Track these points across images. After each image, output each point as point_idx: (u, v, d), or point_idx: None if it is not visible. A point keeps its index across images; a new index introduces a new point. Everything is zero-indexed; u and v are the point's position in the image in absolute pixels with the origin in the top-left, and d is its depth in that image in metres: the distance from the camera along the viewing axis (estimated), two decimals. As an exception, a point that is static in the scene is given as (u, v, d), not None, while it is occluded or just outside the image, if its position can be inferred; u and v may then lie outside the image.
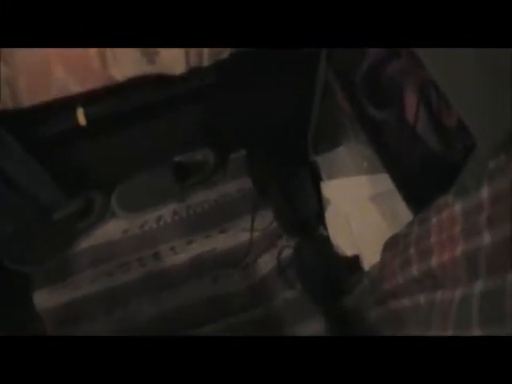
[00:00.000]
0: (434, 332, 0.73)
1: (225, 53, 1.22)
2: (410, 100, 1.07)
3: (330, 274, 1.41)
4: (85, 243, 1.50)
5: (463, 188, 0.77)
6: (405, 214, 1.27)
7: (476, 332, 0.61)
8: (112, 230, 1.52)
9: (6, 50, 1.08)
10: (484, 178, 0.71)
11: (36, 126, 1.24)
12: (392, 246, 0.97)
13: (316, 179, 1.53)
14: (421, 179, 1.12)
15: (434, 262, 0.76)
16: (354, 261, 1.41)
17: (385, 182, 1.32)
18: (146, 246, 1.50)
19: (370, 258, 1.40)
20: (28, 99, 1.15)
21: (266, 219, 1.51)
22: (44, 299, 1.43)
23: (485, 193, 0.69)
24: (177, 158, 1.54)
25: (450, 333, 0.67)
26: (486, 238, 0.65)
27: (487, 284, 0.63)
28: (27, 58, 1.10)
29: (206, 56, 1.20)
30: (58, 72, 1.13)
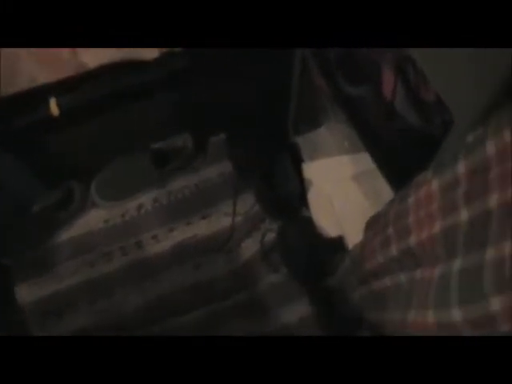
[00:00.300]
0: (415, 311, 0.71)
1: (198, 35, 1.20)
2: (387, 76, 1.05)
3: (314, 255, 1.40)
4: (65, 234, 1.48)
5: (441, 163, 0.75)
6: (387, 193, 1.25)
7: (455, 312, 0.60)
8: (93, 219, 1.50)
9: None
10: (461, 152, 0.69)
11: (8, 117, 1.22)
12: (373, 224, 0.96)
13: (297, 161, 1.52)
14: (401, 156, 1.11)
15: (413, 240, 0.74)
16: (338, 241, 1.40)
17: (366, 160, 1.31)
18: (127, 235, 1.48)
19: (354, 238, 1.38)
20: (-4, 90, 1.13)
21: (247, 203, 1.50)
22: (26, 291, 1.41)
23: (461, 167, 0.67)
24: (155, 145, 1.51)
25: (430, 313, 0.66)
26: (464, 215, 0.63)
27: (465, 261, 0.61)
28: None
29: (178, 39, 1.18)
30: (26, 62, 1.11)
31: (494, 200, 0.59)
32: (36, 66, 1.12)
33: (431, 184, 0.73)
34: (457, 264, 0.63)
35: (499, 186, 0.59)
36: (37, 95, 1.18)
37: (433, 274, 0.68)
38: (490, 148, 0.63)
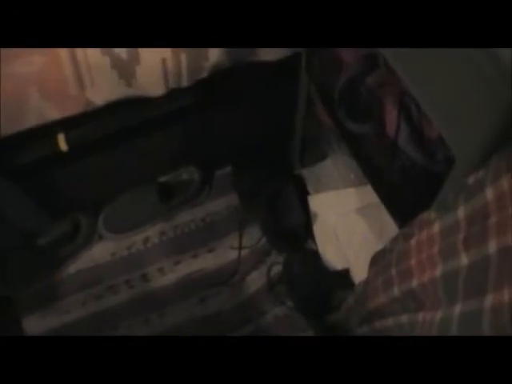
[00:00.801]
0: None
1: (204, 72, 1.21)
2: (390, 112, 1.06)
3: (320, 289, 1.40)
4: (72, 267, 1.48)
5: (443, 204, 0.76)
6: (392, 226, 1.26)
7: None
8: (99, 252, 1.51)
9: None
10: (462, 194, 0.70)
11: (16, 153, 1.23)
12: (377, 261, 0.96)
13: (303, 193, 1.52)
14: (404, 192, 1.12)
15: (415, 283, 0.75)
16: (344, 274, 1.41)
17: (372, 193, 1.32)
18: (133, 268, 1.48)
19: (359, 271, 1.39)
20: (6, 129, 1.14)
21: (254, 236, 1.50)
22: (34, 325, 1.41)
23: (461, 212, 0.68)
24: (162, 178, 1.53)
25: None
26: (463, 260, 0.64)
27: (465, 306, 0.62)
28: (2, 87, 1.09)
29: (184, 76, 1.20)
30: (35, 100, 1.12)
31: (493, 246, 0.60)
32: (44, 103, 1.13)
33: (433, 226, 0.73)
34: (457, 308, 0.63)
35: (498, 233, 0.60)
36: (45, 131, 1.20)
37: (434, 317, 0.68)
38: (490, 194, 0.63)
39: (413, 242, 0.78)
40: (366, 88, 1.12)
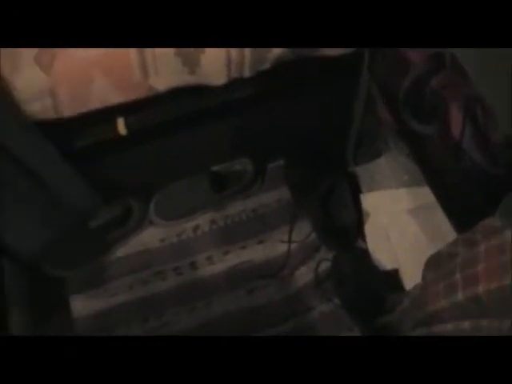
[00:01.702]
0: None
1: (266, 63, 1.21)
2: (455, 115, 1.05)
3: (368, 288, 1.39)
4: (121, 251, 1.50)
5: (511, 211, 0.74)
6: (445, 229, 1.25)
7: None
8: (149, 238, 1.52)
9: (46, 60, 1.09)
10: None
11: (76, 134, 1.24)
12: (435, 265, 0.95)
13: (355, 191, 1.51)
14: (464, 195, 1.10)
15: (481, 289, 0.74)
16: (393, 275, 1.40)
17: (425, 195, 1.30)
18: (182, 255, 1.49)
19: (410, 273, 1.38)
20: (69, 110, 1.15)
21: (303, 231, 1.50)
22: (80, 305, 1.43)
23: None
24: (215, 168, 1.53)
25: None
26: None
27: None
28: (68, 68, 1.10)
29: (247, 67, 1.20)
30: (99, 83, 1.13)
31: None
32: (108, 87, 1.14)
33: (503, 234, 0.72)
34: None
35: None
36: (106, 115, 1.21)
37: (502, 325, 0.67)
38: None
39: (481, 248, 0.77)
40: (431, 89, 1.10)
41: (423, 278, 1.01)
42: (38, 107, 1.12)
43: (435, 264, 0.97)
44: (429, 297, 0.88)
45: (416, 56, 1.14)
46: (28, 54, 1.08)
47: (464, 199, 1.10)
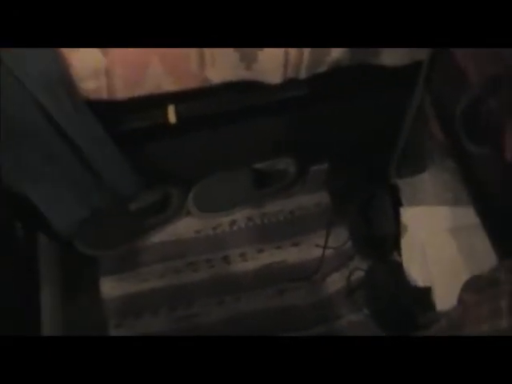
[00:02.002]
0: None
1: (323, 66, 1.20)
2: (510, 137, 1.03)
3: (398, 302, 1.38)
4: (156, 237, 1.50)
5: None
6: (483, 252, 1.23)
7: None
8: (185, 228, 1.52)
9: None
10: None
11: (125, 117, 1.25)
12: (475, 289, 0.94)
13: (396, 203, 1.50)
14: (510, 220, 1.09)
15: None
16: (425, 292, 1.38)
17: (467, 215, 1.28)
18: (216, 249, 1.49)
19: (442, 292, 1.37)
20: (122, 92, 1.16)
21: (340, 238, 1.49)
22: (109, 287, 1.44)
23: None
24: (258, 165, 1.53)
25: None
26: None
27: None
28: (126, 51, 1.10)
29: (303, 68, 1.19)
30: (155, 68, 1.13)
31: None
32: (163, 74, 1.14)
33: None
34: None
35: None
36: (157, 101, 1.21)
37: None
38: None
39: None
40: (488, 109, 1.09)
41: (461, 300, 0.99)
42: (92, 86, 1.13)
43: (475, 287, 0.96)
44: (469, 321, 0.87)
45: (474, 75, 1.13)
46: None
47: (510, 224, 1.08)
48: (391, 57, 1.23)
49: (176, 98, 1.22)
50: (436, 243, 1.42)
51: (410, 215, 1.48)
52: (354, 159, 1.52)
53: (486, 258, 1.19)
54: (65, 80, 1.09)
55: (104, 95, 1.15)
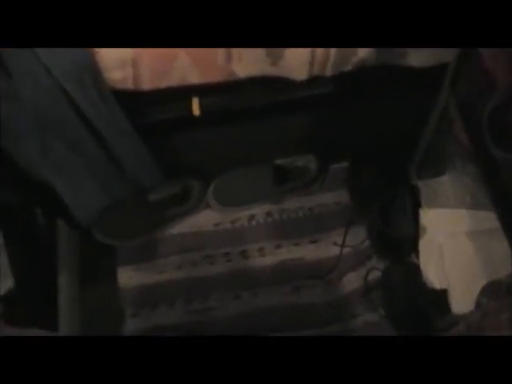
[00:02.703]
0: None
1: (349, 65, 1.20)
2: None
3: (414, 303, 1.38)
4: (175, 229, 1.51)
5: None
6: (501, 257, 1.23)
7: None
8: (204, 220, 1.52)
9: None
10: None
11: (150, 108, 1.25)
12: (493, 294, 0.94)
13: (415, 204, 1.50)
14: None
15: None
16: (442, 295, 1.38)
17: (485, 219, 1.29)
18: (234, 243, 1.50)
19: (458, 295, 1.37)
20: (149, 83, 1.16)
21: (358, 237, 1.49)
22: (127, 277, 1.45)
23: None
24: (279, 161, 1.53)
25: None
26: None
27: None
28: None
29: (329, 66, 1.19)
30: (182, 61, 1.13)
31: None
32: (190, 66, 1.14)
33: None
34: None
35: None
36: (182, 93, 1.21)
37: None
38: None
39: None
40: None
41: (479, 304, 1.00)
42: (118, 76, 1.13)
43: (493, 292, 0.96)
44: (488, 325, 0.87)
45: (502, 78, 1.12)
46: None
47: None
48: (418, 58, 1.23)
49: (201, 91, 1.22)
50: (454, 246, 1.42)
51: (428, 217, 1.48)
52: (375, 159, 1.52)
53: (503, 263, 1.19)
54: (92, 69, 1.10)
55: (130, 85, 1.15)
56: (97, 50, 1.08)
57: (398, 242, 1.46)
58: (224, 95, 1.25)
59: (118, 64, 1.11)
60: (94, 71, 1.10)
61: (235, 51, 1.14)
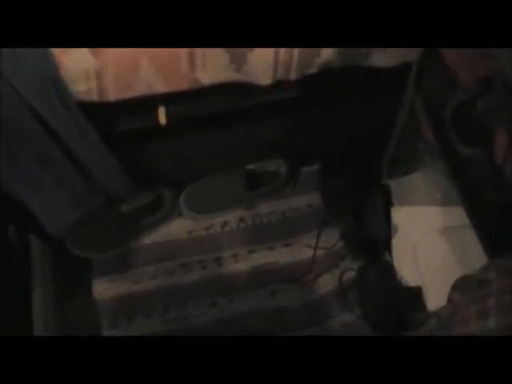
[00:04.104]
0: None
1: (313, 68, 1.21)
2: (501, 139, 1.04)
3: (390, 302, 1.38)
4: (149, 239, 1.50)
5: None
6: (474, 252, 1.23)
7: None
8: (177, 229, 1.52)
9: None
10: None
11: (116, 119, 1.25)
12: (464, 288, 0.94)
13: (387, 203, 1.50)
14: (501, 220, 1.09)
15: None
16: (416, 292, 1.39)
17: (457, 215, 1.29)
18: (208, 250, 1.49)
19: (433, 292, 1.38)
20: (114, 94, 1.16)
21: (331, 238, 1.49)
22: (102, 288, 1.44)
23: None
24: (249, 166, 1.53)
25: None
26: None
27: None
28: (116, 53, 1.11)
29: (293, 70, 1.20)
30: (145, 70, 1.13)
31: None
32: (154, 76, 1.15)
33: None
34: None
35: None
36: (147, 103, 1.21)
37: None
38: None
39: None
40: (478, 111, 1.09)
41: (450, 299, 1.00)
42: (83, 88, 1.13)
43: (464, 287, 0.96)
44: (458, 321, 0.87)
45: (465, 76, 1.13)
46: (79, 35, 1.09)
47: (500, 224, 1.09)
48: (381, 58, 1.24)
49: (167, 99, 1.23)
50: (427, 243, 1.43)
51: (400, 215, 1.49)
52: (345, 160, 1.53)
53: (477, 257, 1.19)
54: (56, 82, 1.10)
55: (95, 97, 1.15)
56: (60, 61, 1.08)
57: (371, 242, 1.46)
58: (190, 103, 1.25)
59: (82, 76, 1.11)
60: (58, 83, 1.10)
61: (199, 58, 1.14)
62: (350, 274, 1.45)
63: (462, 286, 0.98)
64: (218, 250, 1.49)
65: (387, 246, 1.47)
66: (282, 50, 1.15)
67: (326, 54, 1.18)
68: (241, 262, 1.48)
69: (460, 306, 0.90)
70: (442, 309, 0.99)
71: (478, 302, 0.83)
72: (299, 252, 1.49)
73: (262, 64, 1.17)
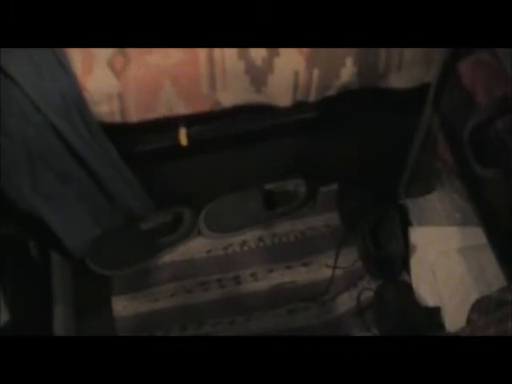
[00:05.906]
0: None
1: (332, 89, 1.22)
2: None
3: (408, 322, 1.38)
4: (168, 257, 1.52)
5: None
6: (492, 273, 1.24)
7: None
8: (196, 248, 1.54)
9: (119, 65, 1.11)
10: None
11: (138, 139, 1.27)
12: (483, 309, 0.95)
13: (405, 223, 1.51)
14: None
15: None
16: (435, 312, 1.39)
17: (475, 236, 1.29)
18: (227, 269, 1.51)
19: (451, 312, 1.38)
20: (136, 115, 1.18)
21: (349, 258, 1.50)
22: (121, 306, 1.46)
23: None
24: (268, 186, 1.55)
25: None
26: None
27: None
28: (139, 75, 1.13)
29: (313, 92, 1.21)
30: (167, 92, 1.15)
31: None
32: (175, 97, 1.16)
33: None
34: None
35: None
36: (169, 123, 1.23)
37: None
38: None
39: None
40: (496, 132, 1.10)
41: (469, 320, 1.00)
42: (105, 110, 1.15)
43: (484, 308, 0.96)
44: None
45: (482, 97, 1.14)
46: (101, 57, 1.11)
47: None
48: (399, 80, 1.25)
49: (188, 120, 1.24)
50: (445, 263, 1.43)
51: (418, 235, 1.49)
52: (363, 180, 1.54)
53: (495, 278, 1.19)
54: (79, 104, 1.12)
55: (117, 118, 1.17)
56: (83, 84, 1.10)
57: (389, 262, 1.47)
58: (210, 124, 1.27)
59: (104, 98, 1.13)
60: (81, 105, 1.12)
61: (219, 80, 1.16)
62: (368, 294, 1.46)
63: (481, 307, 0.98)
64: (237, 269, 1.51)
65: (405, 266, 1.48)
66: (302, 72, 1.16)
67: (346, 75, 1.19)
68: (259, 281, 1.49)
69: (479, 327, 0.90)
70: (461, 330, 0.99)
71: (498, 324, 0.84)
72: (317, 271, 1.50)
73: (282, 86, 1.18)
